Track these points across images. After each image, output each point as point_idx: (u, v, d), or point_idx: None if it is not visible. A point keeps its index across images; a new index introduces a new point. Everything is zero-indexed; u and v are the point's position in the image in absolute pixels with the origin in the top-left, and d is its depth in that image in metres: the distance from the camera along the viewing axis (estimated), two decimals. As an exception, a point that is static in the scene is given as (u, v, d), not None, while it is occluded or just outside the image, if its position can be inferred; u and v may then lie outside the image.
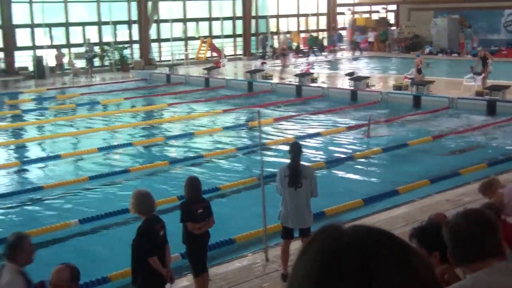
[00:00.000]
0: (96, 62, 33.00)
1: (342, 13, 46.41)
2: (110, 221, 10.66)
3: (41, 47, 31.10)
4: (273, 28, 41.74)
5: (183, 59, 36.22)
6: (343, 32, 44.65)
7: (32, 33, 31.72)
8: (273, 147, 15.84)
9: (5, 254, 5.30)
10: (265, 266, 8.48)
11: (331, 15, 44.70)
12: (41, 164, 15.19)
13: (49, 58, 30.94)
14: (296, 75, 27.45)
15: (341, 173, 13.67)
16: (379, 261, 1.17)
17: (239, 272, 8.29)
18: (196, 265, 7.51)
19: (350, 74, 26.59)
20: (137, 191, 6.80)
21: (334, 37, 42.29)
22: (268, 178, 11.07)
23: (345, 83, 25.81)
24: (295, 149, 8.34)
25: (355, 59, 38.52)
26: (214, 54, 37.93)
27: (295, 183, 8.09)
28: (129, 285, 7.06)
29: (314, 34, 41.76)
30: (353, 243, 1.20)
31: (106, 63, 34.13)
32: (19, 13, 31.32)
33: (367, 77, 25.77)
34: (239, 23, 39.97)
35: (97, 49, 33.12)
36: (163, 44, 36.99)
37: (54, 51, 30.61)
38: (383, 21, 45.81)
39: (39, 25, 31.19)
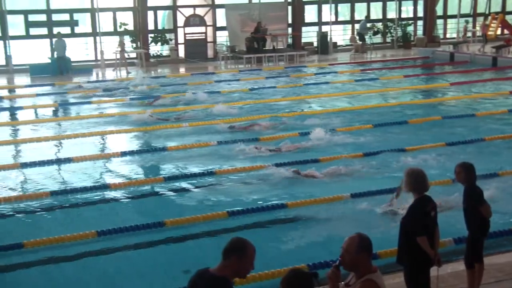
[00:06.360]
0: (378, 38, 33.03)
1: None
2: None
3: (326, 23, 32.03)
4: None
5: (469, 37, 34.45)
6: None
7: (319, 10, 32.80)
8: None
9: None
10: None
11: None
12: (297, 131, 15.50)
13: (334, 34, 31.83)
14: None
15: None
16: None
17: (518, 264, 7.53)
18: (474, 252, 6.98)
19: None
20: (411, 169, 6.59)
21: None
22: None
23: None
24: None
25: None
26: (506, 31, 35.43)
27: None
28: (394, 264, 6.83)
29: None
30: None
31: (388, 39, 34.07)
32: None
33: None
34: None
35: (379, 25, 33.16)
36: (449, 20, 35.63)
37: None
38: None
39: (325, 2, 32.08)
